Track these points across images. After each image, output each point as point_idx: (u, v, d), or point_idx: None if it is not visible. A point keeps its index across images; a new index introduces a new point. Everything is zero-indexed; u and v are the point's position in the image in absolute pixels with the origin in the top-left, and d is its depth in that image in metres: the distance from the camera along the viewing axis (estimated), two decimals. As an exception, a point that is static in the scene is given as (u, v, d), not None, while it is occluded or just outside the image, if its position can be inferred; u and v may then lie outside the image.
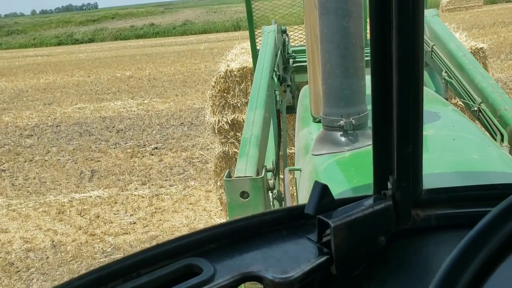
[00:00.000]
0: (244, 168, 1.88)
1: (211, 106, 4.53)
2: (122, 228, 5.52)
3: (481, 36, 16.08)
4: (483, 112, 2.33)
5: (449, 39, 2.90)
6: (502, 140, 2.11)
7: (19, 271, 4.86)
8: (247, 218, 0.85)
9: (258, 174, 1.88)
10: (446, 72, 2.83)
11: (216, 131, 4.58)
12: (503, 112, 2.16)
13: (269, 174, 2.04)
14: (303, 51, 3.90)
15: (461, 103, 2.80)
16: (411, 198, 0.85)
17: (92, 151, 8.60)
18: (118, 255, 4.98)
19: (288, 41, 3.93)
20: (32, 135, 9.91)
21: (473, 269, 0.49)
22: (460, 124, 1.98)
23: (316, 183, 0.81)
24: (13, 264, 5.00)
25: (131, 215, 5.84)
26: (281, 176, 2.83)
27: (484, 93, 2.36)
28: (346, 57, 1.68)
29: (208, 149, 7.91)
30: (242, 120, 4.51)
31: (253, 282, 0.74)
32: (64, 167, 7.91)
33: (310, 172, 1.84)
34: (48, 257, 5.07)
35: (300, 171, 2.05)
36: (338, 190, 1.43)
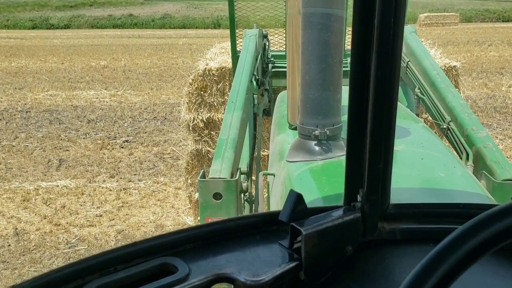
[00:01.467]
0: (219, 169, 1.90)
1: (187, 103, 4.53)
2: (87, 220, 5.46)
3: (455, 53, 16.50)
4: (451, 130, 2.41)
5: (424, 57, 2.98)
6: (467, 159, 2.18)
7: (-22, 258, 4.76)
8: (223, 221, 0.87)
9: (232, 176, 1.90)
10: (419, 88, 2.90)
11: (190, 129, 4.58)
12: (470, 132, 2.24)
13: (243, 177, 2.06)
14: (282, 57, 4.00)
15: (431, 118, 2.87)
16: (379, 212, 0.89)
17: (61, 139, 8.45)
18: (82, 247, 4.93)
19: (268, 46, 3.99)
20: (0, 119, 9.67)
21: (433, 284, 0.54)
22: (429, 141, 2.03)
23: (291, 191, 0.84)
24: (-27, 249, 4.89)
25: (98, 207, 5.78)
26: (254, 178, 2.86)
27: (453, 112, 2.43)
28: (325, 70, 1.74)
29: (180, 145, 7.89)
30: (217, 119, 4.52)
31: (225, 283, 0.77)
32: (31, 154, 7.76)
33: (284, 178, 1.87)
34: (10, 245, 4.97)
35: (274, 176, 2.08)
36: (310, 197, 1.49)
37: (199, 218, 1.91)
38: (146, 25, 40.65)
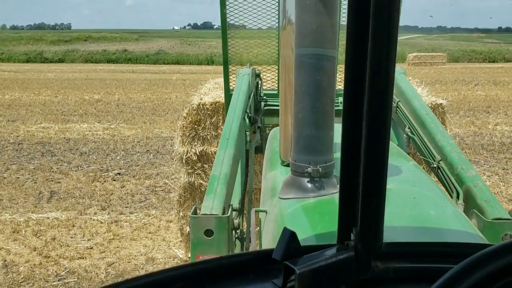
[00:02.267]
0: (211, 205, 1.90)
1: (181, 136, 4.61)
2: (78, 252, 5.43)
3: (443, 92, 16.88)
4: (441, 169, 2.45)
5: (413, 97, 3.06)
6: (457, 197, 2.20)
7: (-34, 290, 4.70)
8: (216, 259, 0.89)
9: (224, 212, 1.90)
10: (409, 128, 2.97)
11: (183, 161, 4.64)
12: (460, 171, 2.28)
13: (234, 213, 2.07)
14: (274, 95, 4.12)
15: (420, 157, 2.92)
16: (372, 250, 0.89)
17: (53, 172, 8.46)
18: (72, 280, 4.89)
19: (261, 85, 4.06)
20: (-8, 151, 9.68)
21: None
22: (420, 180, 2.06)
23: (285, 229, 0.85)
24: (-39, 282, 4.83)
25: (88, 239, 5.76)
26: (245, 212, 2.87)
27: (443, 151, 2.48)
28: (317, 109, 1.78)
29: (172, 179, 7.92)
30: (210, 153, 4.60)
31: None
32: (23, 185, 7.75)
33: (276, 215, 1.87)
34: (-2, 277, 4.93)
35: (266, 212, 2.08)
36: (302, 235, 1.49)
37: (190, 255, 1.88)
38: (140, 61, 41.23)
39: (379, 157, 0.83)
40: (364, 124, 0.81)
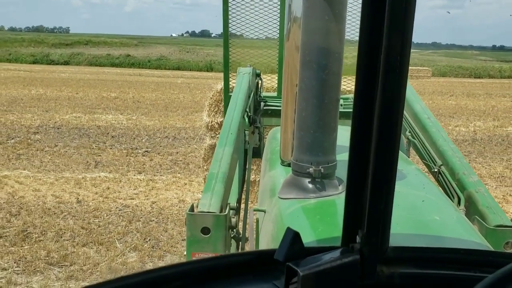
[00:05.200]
0: (208, 203, 1.88)
1: (207, 110, 6.83)
2: (128, 195, 7.58)
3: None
4: (442, 174, 2.40)
5: (415, 101, 3.03)
6: (459, 203, 2.17)
7: (55, 213, 6.82)
8: (215, 258, 0.90)
9: (221, 210, 1.88)
10: (410, 132, 2.94)
11: (208, 128, 6.85)
12: (462, 176, 2.23)
13: (232, 212, 2.03)
14: (274, 97, 4.35)
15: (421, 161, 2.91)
16: (378, 254, 0.86)
17: (92, 148, 10.60)
18: (128, 210, 7.03)
19: (261, 84, 4.11)
20: (38, 132, 11.82)
21: None
22: (424, 184, 2.04)
23: (288, 229, 0.83)
24: (50, 209, 6.95)
25: (134, 189, 7.91)
26: (242, 213, 2.99)
27: (445, 156, 2.45)
28: (321, 108, 1.76)
29: (188, 155, 10.09)
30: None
31: None
32: (71, 157, 9.87)
33: (275, 215, 1.84)
34: (75, 208, 7.06)
35: (265, 212, 2.06)
36: (302, 236, 1.24)
37: (185, 253, 1.89)
38: (143, 65, 43.03)
39: (389, 159, 0.82)
40: (374, 125, 0.79)
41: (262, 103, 3.95)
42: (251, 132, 3.31)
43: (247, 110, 3.13)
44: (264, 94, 4.29)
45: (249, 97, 3.31)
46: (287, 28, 2.11)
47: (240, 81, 3.45)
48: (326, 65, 1.71)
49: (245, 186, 3.32)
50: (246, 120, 3.06)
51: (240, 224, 2.94)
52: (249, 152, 3.36)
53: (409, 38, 0.75)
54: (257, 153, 3.62)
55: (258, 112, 3.77)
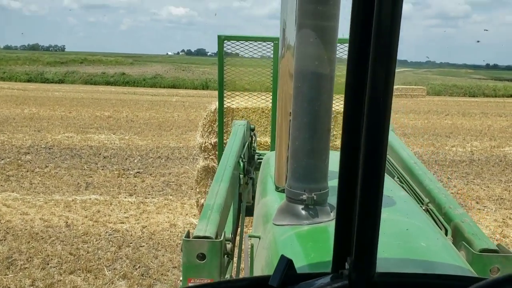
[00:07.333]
0: (204, 229, 1.90)
1: (201, 131, 6.65)
2: (119, 219, 7.37)
3: (415, 120, 19.25)
4: (430, 211, 2.51)
5: (401, 149, 3.24)
6: (446, 234, 2.25)
7: (43, 238, 6.60)
8: (211, 284, 0.94)
9: (217, 237, 1.90)
10: (398, 177, 3.06)
11: (202, 149, 6.67)
12: (448, 210, 2.35)
13: (227, 239, 2.05)
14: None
15: None
16: (365, 280, 0.90)
17: (84, 169, 10.40)
18: (118, 235, 6.82)
19: (255, 139, 4.20)
20: (29, 153, 11.61)
21: None
22: (412, 211, 2.12)
23: (282, 257, 0.87)
24: (37, 234, 6.73)
25: (125, 212, 7.71)
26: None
27: (431, 194, 2.57)
28: (314, 138, 1.83)
29: (181, 176, 9.90)
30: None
31: None
32: (62, 178, 9.67)
33: (270, 241, 1.88)
34: (64, 232, 6.84)
35: (259, 238, 2.09)
36: (295, 262, 1.30)
37: (181, 279, 1.90)
38: (138, 84, 43.00)
39: (374, 189, 0.85)
40: (360, 157, 0.84)
41: (256, 156, 4.04)
42: (245, 183, 3.37)
43: (242, 156, 3.23)
44: (259, 151, 4.39)
45: (243, 146, 3.44)
46: (281, 54, 2.17)
47: (235, 131, 3.63)
48: (318, 98, 1.78)
49: (239, 223, 3.39)
50: (241, 164, 3.14)
51: (236, 250, 2.98)
52: (243, 208, 3.42)
53: (392, 70, 0.80)
54: (250, 212, 3.53)
55: (252, 164, 3.85)
